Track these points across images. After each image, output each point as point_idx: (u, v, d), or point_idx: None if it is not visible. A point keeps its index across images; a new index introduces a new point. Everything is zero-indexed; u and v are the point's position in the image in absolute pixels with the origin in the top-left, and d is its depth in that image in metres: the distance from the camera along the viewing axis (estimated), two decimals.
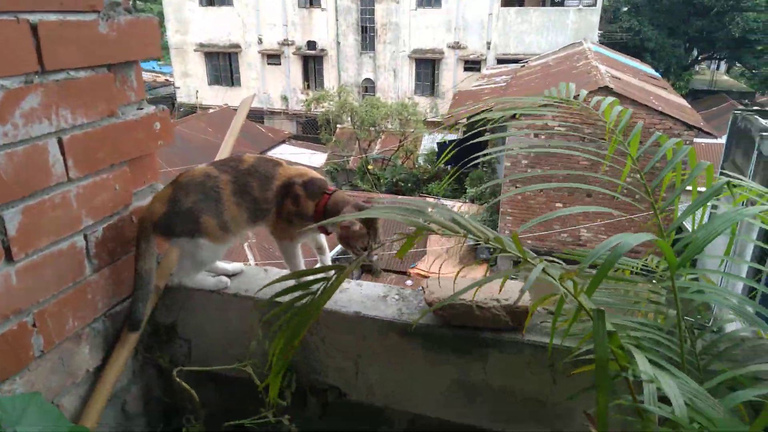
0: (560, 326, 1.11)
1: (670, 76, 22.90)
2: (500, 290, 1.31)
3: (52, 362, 1.27)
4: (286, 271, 1.52)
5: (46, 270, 1.21)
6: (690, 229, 1.04)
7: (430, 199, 13.84)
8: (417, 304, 1.44)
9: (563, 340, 1.06)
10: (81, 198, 1.27)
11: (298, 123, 24.46)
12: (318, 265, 1.45)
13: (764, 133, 8.50)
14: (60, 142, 1.19)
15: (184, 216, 1.37)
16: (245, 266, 1.63)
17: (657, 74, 17.55)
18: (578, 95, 1.41)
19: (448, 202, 13.46)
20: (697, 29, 24.79)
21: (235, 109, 1.91)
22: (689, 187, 1.10)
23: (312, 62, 24.21)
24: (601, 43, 20.40)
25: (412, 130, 18.11)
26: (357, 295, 1.49)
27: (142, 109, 1.43)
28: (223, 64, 24.97)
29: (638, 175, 1.17)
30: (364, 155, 18.07)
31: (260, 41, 24.00)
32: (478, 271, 9.51)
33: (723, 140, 11.79)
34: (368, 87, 23.79)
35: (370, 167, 17.70)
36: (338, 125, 19.51)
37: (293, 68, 24.18)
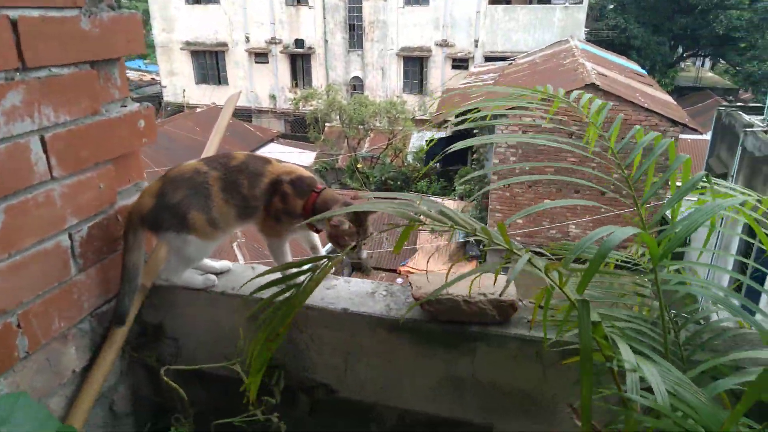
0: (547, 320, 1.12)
1: (655, 73, 23.12)
2: (494, 282, 1.32)
3: (38, 363, 1.26)
4: None
5: (30, 270, 1.20)
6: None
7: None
8: (405, 300, 1.44)
9: (555, 333, 1.07)
10: (65, 197, 1.26)
11: (287, 122, 24.33)
12: None
13: (748, 129, 8.65)
14: (43, 140, 1.18)
15: (173, 210, 1.36)
16: (233, 264, 1.63)
17: (643, 71, 17.72)
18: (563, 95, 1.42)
19: (437, 199, 13.49)
20: (681, 27, 25.05)
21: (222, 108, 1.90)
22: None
23: (300, 60, 24.09)
24: (588, 40, 20.57)
25: (400, 128, 18.11)
26: (345, 291, 1.49)
27: (125, 106, 1.41)
28: (210, 62, 24.75)
29: (623, 171, 1.19)
30: (353, 154, 18.05)
31: (247, 39, 23.82)
32: (468, 268, 9.54)
33: (708, 136, 11.97)
34: (356, 85, 23.74)
35: (359, 166, 17.67)
36: (327, 124, 19.45)
37: (281, 67, 24.04)
